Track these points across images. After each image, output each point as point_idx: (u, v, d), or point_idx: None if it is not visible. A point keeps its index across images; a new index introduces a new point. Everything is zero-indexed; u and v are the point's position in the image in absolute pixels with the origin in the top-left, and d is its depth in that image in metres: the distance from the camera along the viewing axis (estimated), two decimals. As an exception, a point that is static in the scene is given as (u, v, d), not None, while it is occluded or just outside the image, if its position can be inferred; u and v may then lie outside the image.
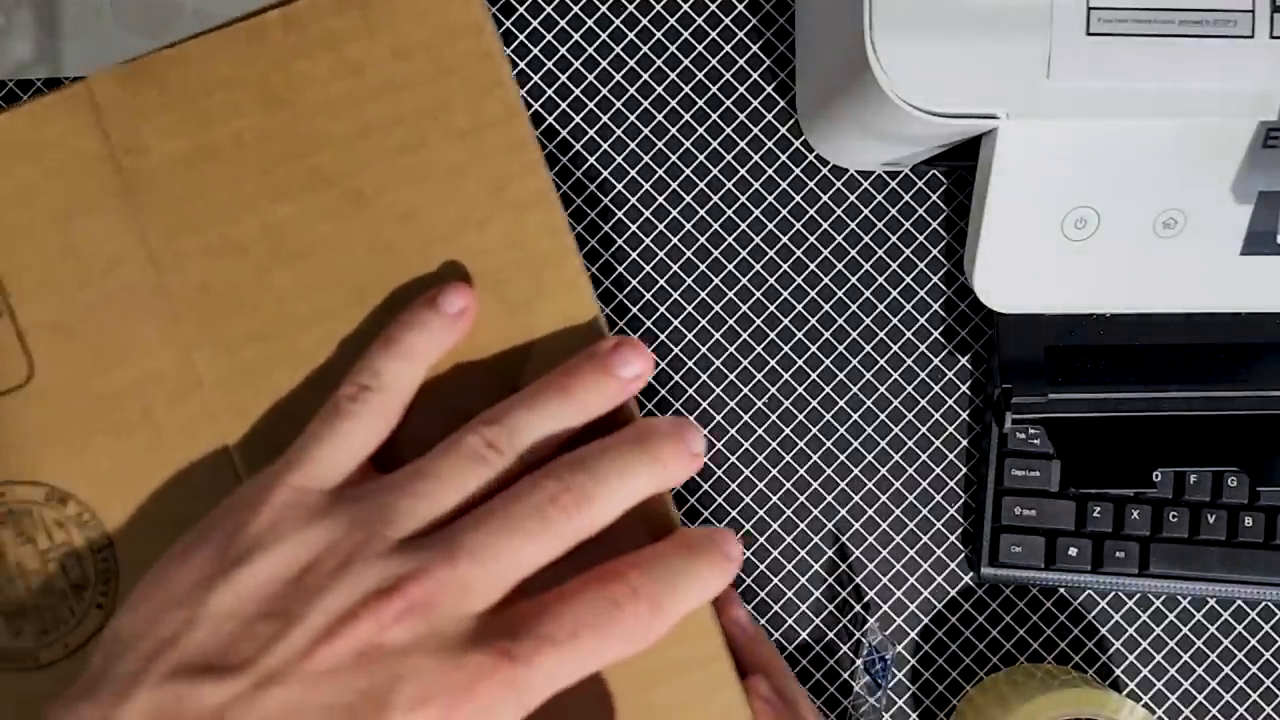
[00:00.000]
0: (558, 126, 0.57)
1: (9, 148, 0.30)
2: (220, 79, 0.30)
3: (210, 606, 0.26)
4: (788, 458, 0.57)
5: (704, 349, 0.57)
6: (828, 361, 0.57)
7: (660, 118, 0.57)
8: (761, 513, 0.57)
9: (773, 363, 0.57)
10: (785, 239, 0.57)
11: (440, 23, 0.30)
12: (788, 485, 0.57)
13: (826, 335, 0.57)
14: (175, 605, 0.27)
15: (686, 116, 0.57)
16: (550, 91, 0.57)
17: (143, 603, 0.27)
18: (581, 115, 0.57)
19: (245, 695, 0.25)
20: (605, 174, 0.57)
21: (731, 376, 0.57)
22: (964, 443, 0.57)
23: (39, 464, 0.30)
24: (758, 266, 0.57)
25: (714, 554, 0.29)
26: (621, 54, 0.57)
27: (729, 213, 0.57)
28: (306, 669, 0.26)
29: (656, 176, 0.57)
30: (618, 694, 0.30)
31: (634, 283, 0.57)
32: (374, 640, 0.26)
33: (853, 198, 0.57)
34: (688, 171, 0.57)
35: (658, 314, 0.57)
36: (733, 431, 0.57)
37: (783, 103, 0.57)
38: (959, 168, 0.56)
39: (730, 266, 0.57)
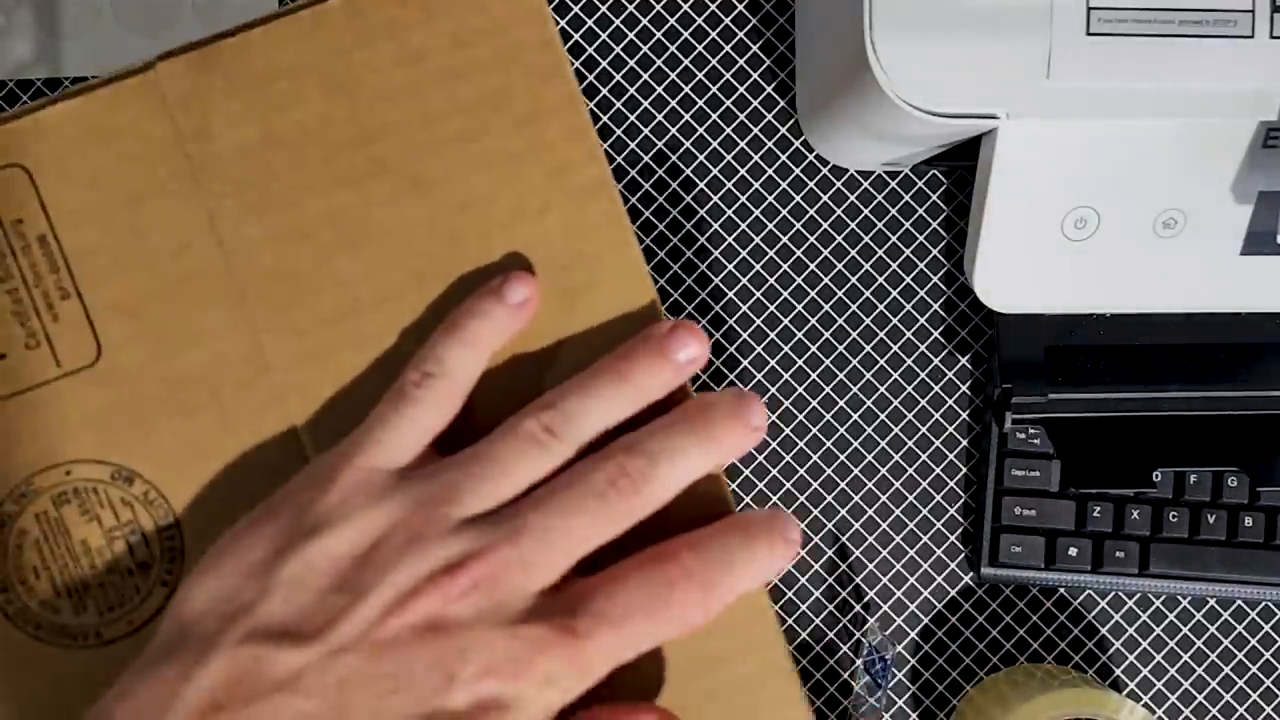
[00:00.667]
0: (558, 126, 0.57)
1: (81, 131, 0.30)
2: (283, 67, 0.30)
3: (283, 576, 0.27)
4: (788, 458, 0.57)
5: (704, 349, 0.57)
6: (828, 361, 0.57)
7: (660, 118, 0.57)
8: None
9: (773, 363, 0.57)
10: (785, 239, 0.57)
11: (500, 11, 0.30)
12: (788, 485, 0.57)
13: (826, 335, 0.57)
14: (248, 574, 0.28)
15: (686, 116, 0.57)
16: (550, 91, 0.57)
17: (213, 571, 0.28)
18: (581, 115, 0.57)
19: (319, 662, 0.26)
20: (605, 174, 0.57)
21: (731, 376, 0.57)
22: (964, 443, 0.57)
23: (105, 443, 0.30)
24: (758, 266, 0.57)
25: (771, 536, 0.29)
26: (621, 54, 0.57)
27: (729, 213, 0.57)
28: (376, 639, 0.27)
29: (656, 176, 0.57)
30: (674, 677, 0.30)
31: (634, 283, 0.57)
32: (440, 614, 0.27)
33: (853, 198, 0.57)
34: (688, 171, 0.57)
35: (658, 314, 0.57)
36: (733, 431, 0.57)
37: (783, 103, 0.57)
38: (959, 168, 0.56)
39: (730, 266, 0.57)
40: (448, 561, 0.27)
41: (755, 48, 0.57)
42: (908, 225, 0.57)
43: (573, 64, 0.56)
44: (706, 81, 0.57)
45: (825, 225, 0.57)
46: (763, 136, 0.57)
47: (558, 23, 0.57)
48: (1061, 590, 0.57)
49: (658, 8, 0.57)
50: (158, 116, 0.30)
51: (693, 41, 0.57)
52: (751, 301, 0.57)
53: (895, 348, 0.57)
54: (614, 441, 0.29)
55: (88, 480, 0.30)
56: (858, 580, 0.57)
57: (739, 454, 0.30)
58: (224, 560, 0.28)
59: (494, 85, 0.30)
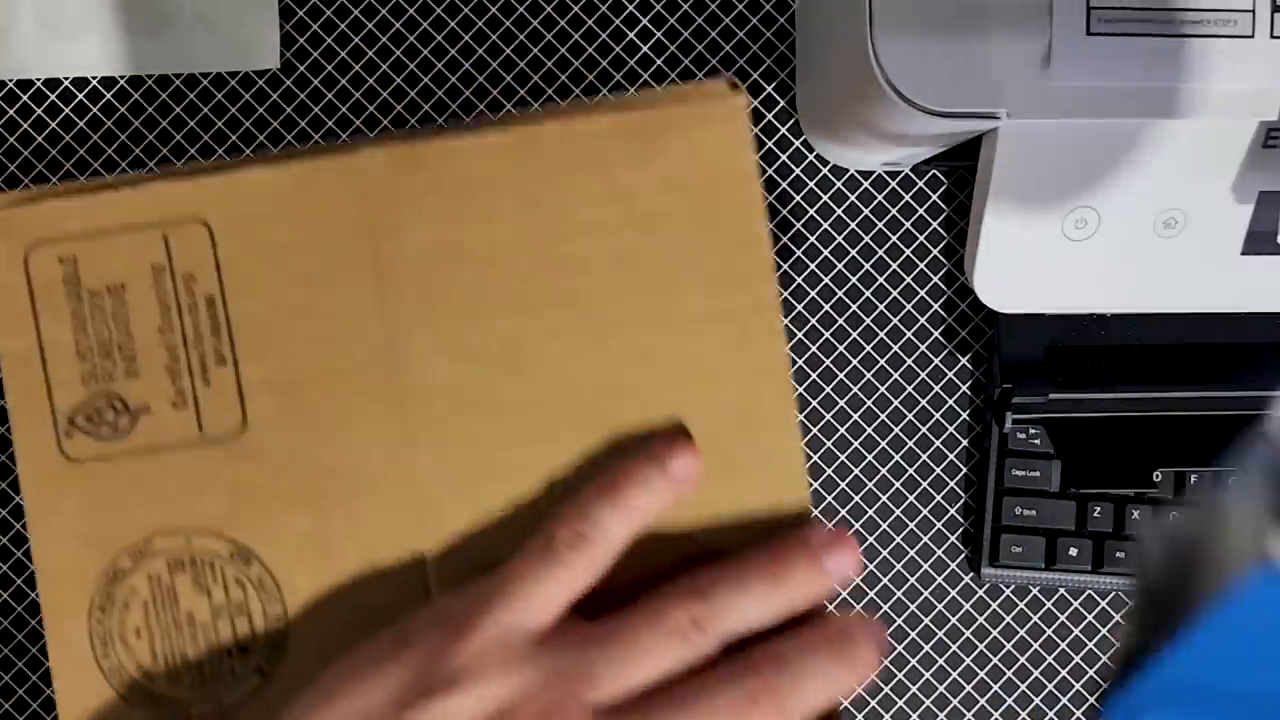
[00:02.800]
0: (558, 126, 0.57)
1: (273, 201, 0.29)
2: (485, 179, 0.29)
3: None
4: (788, 458, 0.57)
5: (704, 349, 0.57)
6: (828, 361, 0.57)
7: (660, 118, 0.57)
8: (761, 513, 0.57)
9: (773, 363, 0.57)
10: (785, 239, 0.57)
11: (711, 167, 0.29)
12: (788, 485, 0.57)
13: (826, 335, 0.57)
14: (369, 718, 0.27)
15: (686, 116, 0.57)
16: (550, 91, 0.57)
17: (334, 701, 0.27)
18: (581, 115, 0.57)
19: None
20: (605, 174, 0.57)
21: (731, 376, 0.57)
22: (964, 443, 0.57)
23: (231, 519, 0.29)
24: (758, 266, 0.57)
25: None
26: (621, 54, 0.57)
27: (729, 213, 0.57)
28: None
29: (656, 176, 0.57)
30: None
31: (634, 283, 0.57)
32: None
33: (853, 198, 0.57)
34: (688, 171, 0.57)
35: (658, 314, 0.57)
36: (733, 431, 0.57)
37: (783, 103, 0.57)
38: (959, 168, 0.56)
39: (730, 266, 0.57)
40: None
41: (755, 48, 0.57)
42: (908, 225, 0.57)
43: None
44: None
45: (825, 225, 0.57)
46: (763, 136, 0.57)
47: (557, 23, 0.57)
48: (1062, 590, 0.57)
49: (658, 8, 0.57)
50: (353, 203, 0.29)
51: (693, 41, 0.57)
52: (751, 301, 0.57)
53: (895, 348, 0.57)
54: (759, 651, 0.28)
55: (206, 552, 0.29)
56: (857, 580, 0.57)
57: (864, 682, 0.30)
58: (346, 691, 0.27)
59: (692, 241, 0.30)
